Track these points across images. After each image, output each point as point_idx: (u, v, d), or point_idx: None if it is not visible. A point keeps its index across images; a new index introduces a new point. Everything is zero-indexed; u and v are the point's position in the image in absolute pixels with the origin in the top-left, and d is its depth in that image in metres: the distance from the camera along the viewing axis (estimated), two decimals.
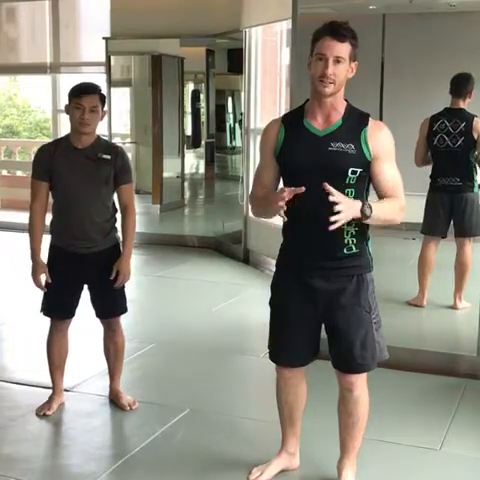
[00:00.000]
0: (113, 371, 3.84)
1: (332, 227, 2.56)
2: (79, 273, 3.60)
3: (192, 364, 4.46)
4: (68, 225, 3.57)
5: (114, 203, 3.66)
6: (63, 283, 3.60)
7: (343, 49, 2.65)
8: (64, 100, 3.56)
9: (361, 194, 2.76)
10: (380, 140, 2.73)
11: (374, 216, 2.66)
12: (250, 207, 2.96)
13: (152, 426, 3.58)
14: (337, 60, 2.65)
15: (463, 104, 4.81)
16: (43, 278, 3.59)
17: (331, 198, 2.54)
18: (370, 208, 2.63)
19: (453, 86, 4.78)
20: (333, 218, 2.55)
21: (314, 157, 2.72)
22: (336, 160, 2.70)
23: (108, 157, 3.52)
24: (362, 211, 2.62)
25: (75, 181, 3.52)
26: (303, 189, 2.59)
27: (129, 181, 3.63)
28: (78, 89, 3.48)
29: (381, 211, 2.70)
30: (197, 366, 4.43)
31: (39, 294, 3.66)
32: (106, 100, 3.60)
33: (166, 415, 3.70)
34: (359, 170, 2.71)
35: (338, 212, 2.55)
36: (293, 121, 2.81)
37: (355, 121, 2.75)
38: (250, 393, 4.18)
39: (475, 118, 4.75)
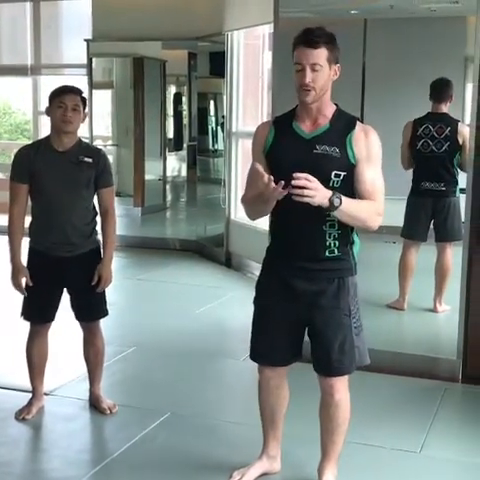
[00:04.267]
0: (93, 375, 3.82)
1: (296, 198, 2.54)
2: (59, 276, 3.57)
3: (173, 367, 4.45)
4: (48, 228, 3.55)
5: (94, 206, 3.64)
6: (43, 287, 3.57)
7: (318, 55, 2.67)
8: (45, 102, 3.55)
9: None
10: (365, 145, 2.74)
11: (343, 209, 2.62)
12: (244, 210, 2.94)
13: (132, 430, 3.57)
14: (313, 68, 2.67)
15: (445, 108, 4.84)
16: (23, 282, 3.57)
17: (296, 180, 2.52)
18: (340, 199, 2.60)
19: (434, 92, 4.80)
20: (304, 192, 2.53)
21: (299, 159, 2.74)
22: (320, 163, 2.71)
23: (90, 160, 3.50)
24: (330, 200, 2.59)
25: (55, 184, 3.50)
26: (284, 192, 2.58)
27: (110, 184, 3.61)
28: (60, 89, 3.50)
29: (353, 206, 2.67)
30: (178, 369, 4.42)
31: (19, 297, 3.63)
32: (87, 102, 3.59)
33: (146, 419, 3.68)
34: (343, 173, 2.72)
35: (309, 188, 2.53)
36: (283, 123, 2.84)
37: (342, 125, 2.77)
38: (231, 396, 4.17)
39: (459, 123, 4.78)
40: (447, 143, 4.82)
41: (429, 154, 4.88)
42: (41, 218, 3.57)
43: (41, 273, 3.57)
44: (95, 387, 3.82)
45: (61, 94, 3.46)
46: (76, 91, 3.50)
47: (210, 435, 3.56)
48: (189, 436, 3.54)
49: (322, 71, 2.68)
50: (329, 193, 2.61)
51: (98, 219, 3.65)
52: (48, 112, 3.51)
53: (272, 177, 2.57)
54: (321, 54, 2.67)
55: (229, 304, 5.91)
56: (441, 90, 4.82)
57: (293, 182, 2.54)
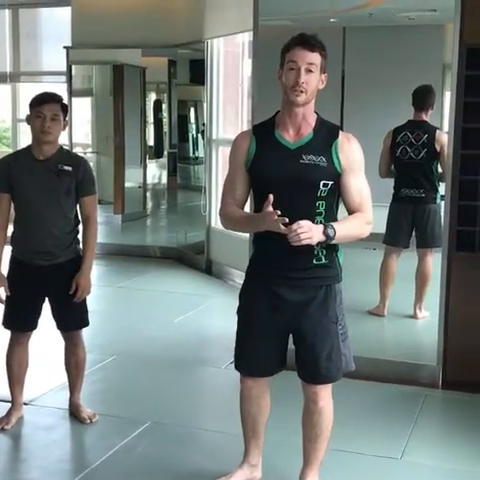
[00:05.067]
0: (73, 384, 3.79)
1: (296, 244, 2.59)
2: (40, 285, 3.55)
3: (153, 376, 4.43)
4: (28, 237, 3.52)
5: (77, 215, 3.62)
6: (24, 295, 3.55)
7: (314, 58, 2.69)
8: (24, 109, 3.53)
9: (332, 206, 2.78)
10: (349, 153, 2.75)
11: (338, 237, 2.68)
12: (222, 221, 2.93)
13: (113, 439, 3.55)
14: (309, 69, 2.68)
15: (425, 116, 4.88)
16: (2, 291, 3.54)
17: (291, 234, 2.57)
18: (333, 229, 2.65)
19: (415, 99, 4.84)
20: (295, 238, 2.57)
21: (286, 170, 2.72)
22: (308, 173, 2.71)
23: (69, 169, 3.48)
24: (325, 233, 2.64)
25: (35, 193, 3.47)
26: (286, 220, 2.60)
27: (91, 193, 3.58)
28: (39, 98, 3.46)
29: (345, 231, 2.72)
30: (158, 378, 4.41)
31: (1, 306, 3.60)
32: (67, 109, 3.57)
33: (127, 428, 3.66)
34: (330, 182, 2.73)
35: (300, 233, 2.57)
36: (264, 133, 2.82)
37: (326, 133, 2.77)
38: (211, 405, 4.16)
39: (437, 130, 4.81)
40: (424, 150, 4.86)
41: (408, 161, 4.92)
42: (22, 227, 3.55)
43: (22, 282, 3.55)
44: (75, 396, 3.80)
45: (40, 103, 3.42)
46: (56, 99, 3.47)
47: (191, 444, 3.54)
48: (170, 445, 3.52)
49: (315, 74, 2.69)
50: (321, 227, 2.64)
51: (80, 228, 3.63)
52: (28, 120, 3.49)
53: (286, 219, 2.57)
54: (316, 58, 2.69)
55: (210, 311, 5.90)
56: (423, 98, 4.85)
57: (289, 237, 2.57)
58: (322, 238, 2.64)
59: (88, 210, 3.59)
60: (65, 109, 3.50)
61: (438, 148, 4.78)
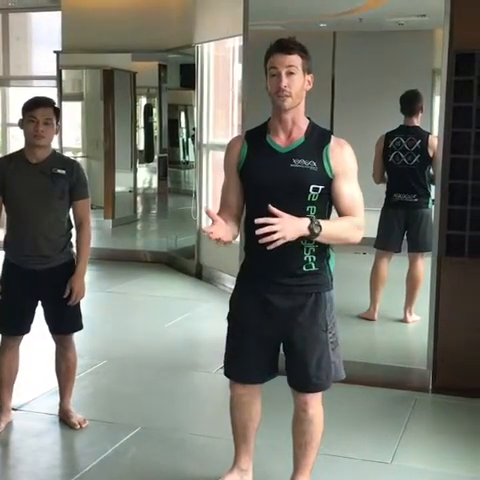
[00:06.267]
0: (64, 389, 3.78)
1: (271, 246, 2.53)
2: (33, 289, 3.54)
3: (144, 381, 4.42)
4: (21, 241, 3.52)
5: (70, 218, 3.61)
6: (16, 299, 3.54)
7: (293, 60, 2.68)
8: (14, 114, 3.54)
9: (323, 211, 2.76)
10: (341, 158, 2.74)
11: (324, 234, 2.63)
12: None
13: (103, 445, 3.53)
14: (290, 72, 2.67)
15: (416, 121, 4.89)
16: None
17: (260, 220, 2.51)
18: (319, 226, 2.61)
19: (404, 105, 4.85)
20: (273, 236, 2.50)
21: (276, 174, 2.72)
22: (298, 177, 2.70)
23: (63, 172, 3.48)
24: (310, 228, 2.60)
25: (28, 196, 3.47)
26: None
27: (85, 196, 3.58)
28: (32, 102, 3.47)
29: (332, 230, 2.68)
30: (149, 383, 4.40)
31: None
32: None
33: (117, 433, 3.65)
34: (321, 187, 2.72)
35: (275, 231, 2.51)
36: (256, 137, 2.82)
37: (317, 138, 2.76)
38: (202, 409, 4.15)
39: (430, 136, 4.83)
40: (418, 155, 4.87)
41: (401, 166, 4.93)
42: (14, 230, 3.55)
43: (15, 285, 3.54)
44: (65, 401, 3.78)
45: (33, 108, 3.43)
46: (48, 103, 3.47)
47: (181, 449, 3.54)
48: (160, 450, 3.51)
49: (297, 76, 2.69)
50: (307, 222, 2.59)
51: (73, 231, 3.62)
52: (21, 125, 3.50)
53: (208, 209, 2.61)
54: (296, 60, 2.69)
55: (201, 316, 5.89)
56: (411, 103, 4.86)
57: (257, 232, 2.50)
58: (305, 232, 2.59)
59: (81, 213, 3.58)
60: (57, 113, 3.51)
61: (431, 153, 4.79)
